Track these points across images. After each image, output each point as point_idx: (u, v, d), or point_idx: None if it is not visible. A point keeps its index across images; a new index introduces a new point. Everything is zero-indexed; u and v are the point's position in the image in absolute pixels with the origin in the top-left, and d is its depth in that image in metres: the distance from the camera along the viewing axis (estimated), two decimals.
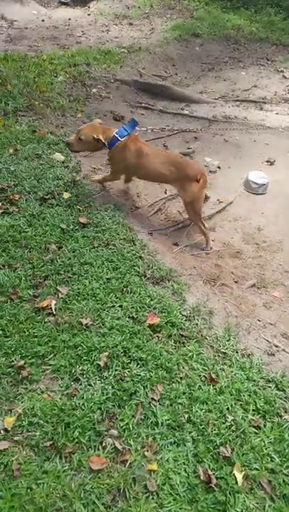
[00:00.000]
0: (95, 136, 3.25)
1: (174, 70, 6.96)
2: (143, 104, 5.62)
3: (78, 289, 2.65)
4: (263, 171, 4.44)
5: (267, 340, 2.65)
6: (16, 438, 1.92)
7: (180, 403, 2.14)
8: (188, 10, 9.25)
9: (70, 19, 8.57)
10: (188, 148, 4.77)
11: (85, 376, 2.19)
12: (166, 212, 3.75)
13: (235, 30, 8.57)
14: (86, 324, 2.43)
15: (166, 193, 3.98)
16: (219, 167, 4.56)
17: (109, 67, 6.19)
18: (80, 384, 2.16)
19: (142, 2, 9.38)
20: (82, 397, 2.10)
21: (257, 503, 1.83)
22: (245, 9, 9.50)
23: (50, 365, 2.23)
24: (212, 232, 3.61)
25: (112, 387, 2.15)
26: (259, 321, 2.81)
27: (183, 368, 2.31)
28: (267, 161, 4.75)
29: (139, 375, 2.22)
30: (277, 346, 2.61)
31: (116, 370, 2.23)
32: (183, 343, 2.46)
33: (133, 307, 2.60)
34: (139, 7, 9.21)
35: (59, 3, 9.64)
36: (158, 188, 4.04)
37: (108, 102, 5.44)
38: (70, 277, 2.73)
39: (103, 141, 3.28)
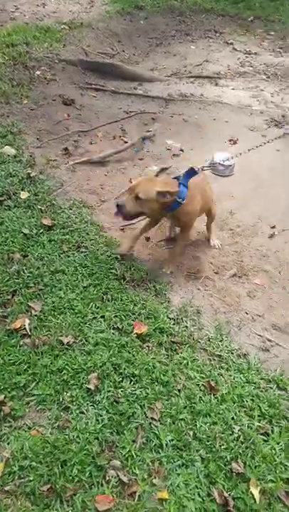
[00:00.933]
0: (158, 189, 2.43)
1: (120, 47, 6.62)
2: (93, 86, 5.29)
3: (53, 302, 2.41)
4: (228, 151, 4.32)
5: (259, 335, 2.56)
6: (7, 488, 1.70)
7: (182, 419, 2.00)
8: None
9: None
10: (148, 131, 4.55)
11: (74, 403, 1.99)
12: None
13: (179, 1, 8.30)
14: (68, 343, 2.21)
15: (131, 181, 3.76)
16: (182, 150, 4.39)
17: (51, 46, 5.77)
18: (71, 413, 1.96)
19: None
20: (76, 428, 1.90)
21: None
22: None
23: (33, 395, 2.00)
24: None
25: (107, 411, 1.97)
26: (247, 313, 2.72)
27: (179, 378, 2.17)
28: (230, 140, 4.64)
29: (135, 393, 2.05)
30: (270, 340, 2.53)
31: (108, 392, 2.04)
32: (175, 350, 2.32)
33: (116, 316, 2.41)
34: None
35: None
36: (121, 176, 3.82)
37: (55, 85, 5.06)
38: (41, 290, 2.49)
39: (172, 196, 2.46)
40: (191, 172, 2.57)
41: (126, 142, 4.23)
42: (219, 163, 4.11)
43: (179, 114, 5.00)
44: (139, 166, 4.02)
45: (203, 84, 5.75)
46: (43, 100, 4.62)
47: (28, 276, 2.54)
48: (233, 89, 5.73)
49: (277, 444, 1.97)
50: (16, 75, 4.89)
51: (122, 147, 4.10)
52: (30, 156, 3.66)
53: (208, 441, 1.93)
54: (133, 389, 2.07)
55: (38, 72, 5.11)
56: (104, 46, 6.41)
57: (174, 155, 4.31)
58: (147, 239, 3.20)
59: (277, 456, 1.92)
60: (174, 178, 2.63)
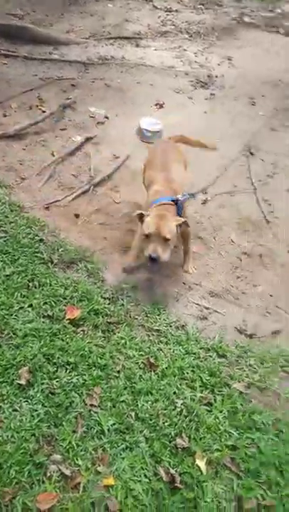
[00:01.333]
0: (177, 223, 2.37)
1: (30, 7, 6.12)
2: (2, 52, 4.86)
3: None
4: (155, 117, 4.20)
5: (197, 304, 2.55)
6: None
7: (123, 401, 1.95)
8: None
9: None
10: (68, 99, 4.29)
11: (6, 401, 1.87)
12: (58, 178, 3.35)
13: None
14: None
15: (53, 155, 3.55)
16: (107, 117, 4.20)
17: None
18: (3, 412, 1.84)
19: None
20: (9, 427, 1.79)
21: (225, 486, 1.76)
22: None
23: None
24: (115, 193, 3.33)
25: (43, 405, 1.87)
26: (184, 283, 2.69)
27: (118, 359, 2.11)
28: (156, 105, 4.51)
29: (71, 382, 1.97)
30: (207, 308, 2.53)
31: (42, 384, 1.94)
32: (112, 330, 2.24)
33: (46, 303, 2.27)
34: None
35: None
36: (41, 149, 3.58)
37: None
38: None
39: (185, 225, 2.46)
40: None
41: (44, 112, 3.96)
42: (146, 130, 3.99)
43: (100, 78, 4.76)
44: (62, 137, 3.80)
45: (123, 46, 5.49)
46: None
47: None
48: (155, 49, 5.53)
49: (220, 412, 1.98)
50: None
51: (40, 117, 3.83)
52: None
53: (150, 420, 1.90)
54: (69, 377, 1.98)
55: None
56: (11, 6, 5.89)
57: (98, 123, 4.11)
58: (77, 216, 3.05)
59: (222, 425, 1.93)
60: (164, 204, 2.47)
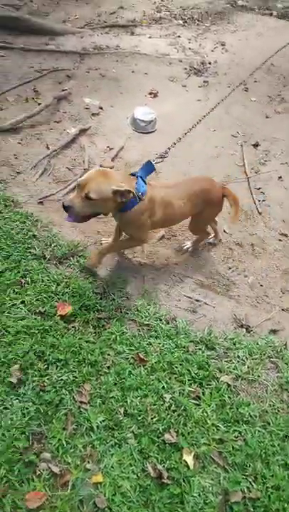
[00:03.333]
0: (116, 188, 1.96)
1: None
2: (0, 43, 4.63)
3: None
4: (149, 106, 4.01)
5: (187, 296, 2.44)
6: None
7: (113, 397, 1.87)
8: None
9: None
10: (63, 90, 4.09)
11: None
12: (53, 172, 3.20)
13: None
14: None
15: (48, 148, 3.39)
16: (101, 108, 4.00)
17: None
18: None
19: None
20: (0, 426, 1.72)
21: (212, 480, 1.70)
22: None
23: None
24: None
25: (33, 403, 1.80)
26: (175, 276, 2.58)
27: (108, 355, 2.02)
28: (150, 94, 4.30)
29: (61, 379, 1.88)
30: (198, 300, 2.42)
31: (33, 382, 1.86)
32: (102, 326, 2.15)
33: (38, 299, 2.17)
34: None
35: None
36: (37, 142, 3.42)
37: None
38: None
39: (133, 194, 2.01)
40: (149, 167, 2.19)
41: (39, 104, 3.78)
42: (139, 119, 3.81)
43: (95, 68, 4.53)
44: (57, 130, 3.62)
45: (118, 34, 5.22)
46: None
47: None
48: (150, 37, 5.26)
49: (209, 406, 1.90)
50: None
51: (35, 110, 3.65)
52: None
53: (139, 416, 1.82)
54: (59, 375, 1.90)
55: None
56: None
57: (93, 114, 3.92)
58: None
59: (209, 419, 1.86)
60: (131, 174, 2.18)
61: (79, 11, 5.72)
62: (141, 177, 2.15)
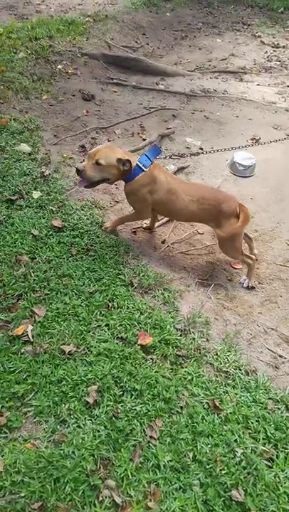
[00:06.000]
0: (120, 156, 2.47)
1: (144, 40, 6.43)
2: (114, 80, 5.14)
3: (57, 308, 2.33)
4: (249, 151, 4.12)
5: (270, 350, 2.41)
6: None
7: (183, 439, 1.89)
8: None
9: None
10: (168, 128, 4.39)
11: (72, 417, 1.90)
12: None
13: None
14: (69, 352, 2.12)
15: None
16: (202, 148, 4.21)
17: (74, 39, 5.63)
18: (68, 427, 1.88)
19: None
20: (72, 443, 1.82)
21: None
22: None
23: (31, 406, 1.92)
24: (199, 223, 3.30)
25: (105, 427, 1.88)
26: (259, 326, 2.57)
27: (183, 395, 2.05)
28: (252, 139, 4.42)
29: (135, 409, 1.95)
30: (281, 356, 2.38)
31: (108, 406, 1.95)
32: (180, 364, 2.20)
33: (121, 325, 2.30)
34: None
35: None
36: None
37: (76, 80, 4.94)
38: (47, 294, 2.40)
39: (132, 164, 2.50)
40: (156, 150, 2.63)
41: (144, 140, 4.09)
42: (239, 163, 3.93)
43: (200, 110, 4.80)
44: None
45: (227, 80, 5.51)
46: (63, 95, 4.50)
47: (35, 279, 2.45)
48: (258, 84, 5.47)
49: (282, 471, 1.83)
50: (37, 70, 4.79)
51: (140, 145, 3.96)
52: (46, 153, 3.56)
53: (208, 465, 1.81)
54: (133, 404, 1.97)
55: (59, 67, 5.00)
56: (128, 39, 6.23)
57: (192, 154, 4.12)
58: (163, 241, 3.07)
59: (281, 485, 1.79)
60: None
61: (191, 56, 6.15)
62: (146, 155, 2.58)
